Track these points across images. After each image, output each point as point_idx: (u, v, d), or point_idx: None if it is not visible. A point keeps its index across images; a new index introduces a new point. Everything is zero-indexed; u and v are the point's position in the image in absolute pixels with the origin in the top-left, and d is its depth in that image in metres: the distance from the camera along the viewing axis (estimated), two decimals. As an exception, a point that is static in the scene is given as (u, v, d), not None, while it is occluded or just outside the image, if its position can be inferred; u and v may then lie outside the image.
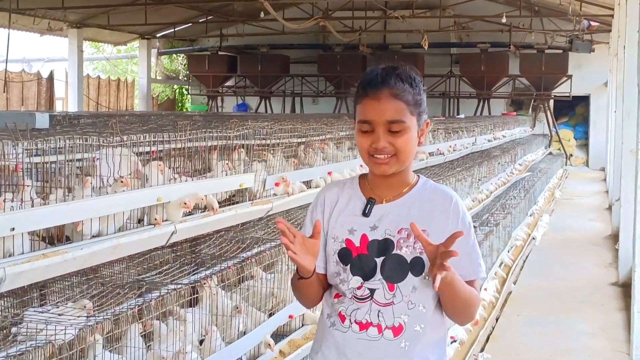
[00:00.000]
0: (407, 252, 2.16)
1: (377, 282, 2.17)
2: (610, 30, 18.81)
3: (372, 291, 2.17)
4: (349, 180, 2.34)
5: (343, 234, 2.21)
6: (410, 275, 2.16)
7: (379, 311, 2.16)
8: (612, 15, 16.63)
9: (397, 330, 2.16)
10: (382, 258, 2.17)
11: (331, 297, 2.25)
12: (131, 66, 29.01)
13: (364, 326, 2.17)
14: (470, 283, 2.18)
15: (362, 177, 2.30)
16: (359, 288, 2.18)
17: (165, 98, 27.21)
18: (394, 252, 2.16)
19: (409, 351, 2.15)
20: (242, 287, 4.32)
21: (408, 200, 2.21)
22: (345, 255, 2.20)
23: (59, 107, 21.57)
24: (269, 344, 3.98)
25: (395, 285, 2.16)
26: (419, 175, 2.29)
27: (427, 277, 2.14)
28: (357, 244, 2.19)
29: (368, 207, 2.20)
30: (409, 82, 2.19)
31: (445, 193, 2.23)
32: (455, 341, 6.08)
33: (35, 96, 19.95)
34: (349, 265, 2.20)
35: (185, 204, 3.51)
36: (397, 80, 2.16)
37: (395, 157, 2.15)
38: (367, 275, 2.17)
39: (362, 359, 2.17)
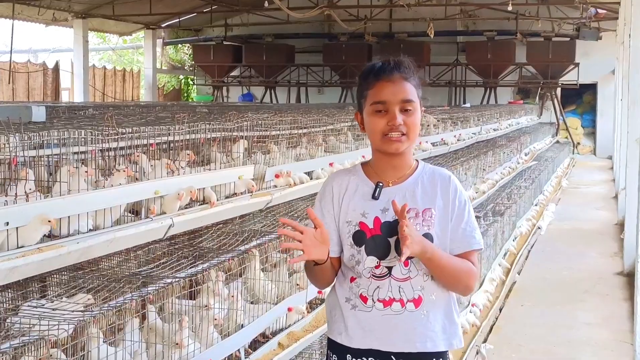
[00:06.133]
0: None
1: (393, 259, 2.36)
2: (617, 18, 18.66)
3: (390, 269, 2.37)
4: (352, 168, 2.53)
5: (356, 217, 2.40)
6: None
7: (399, 287, 2.36)
8: (619, 3, 16.49)
9: (417, 301, 2.37)
10: (394, 237, 2.35)
11: (347, 282, 2.43)
12: (137, 56, 28.98)
13: (387, 303, 2.36)
14: (467, 254, 2.41)
15: (364, 164, 2.50)
16: (376, 267, 2.37)
17: (171, 88, 27.19)
18: None
19: (428, 318, 2.37)
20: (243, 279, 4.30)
21: (412, 182, 2.42)
22: (359, 238, 2.39)
23: (65, 97, 21.60)
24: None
25: (409, 261, 2.36)
26: (417, 160, 2.49)
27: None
28: (371, 225, 2.38)
29: (377, 191, 2.39)
30: (413, 70, 2.43)
31: (443, 174, 2.46)
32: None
33: (41, 87, 19.98)
34: (363, 247, 2.38)
35: (179, 194, 3.50)
36: (405, 67, 2.40)
37: (406, 135, 2.35)
38: (382, 255, 2.36)
39: (389, 332, 2.37)
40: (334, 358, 2.45)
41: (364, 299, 2.38)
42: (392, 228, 2.34)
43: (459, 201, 2.41)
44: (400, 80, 2.36)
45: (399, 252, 2.32)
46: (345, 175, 2.48)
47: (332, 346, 2.47)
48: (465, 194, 2.46)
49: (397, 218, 2.32)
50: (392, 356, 2.37)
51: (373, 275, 2.36)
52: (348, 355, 2.41)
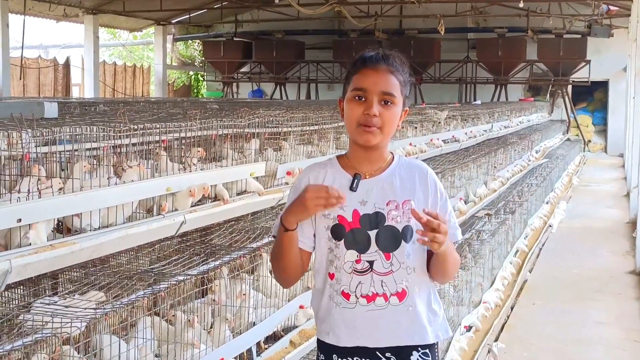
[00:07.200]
0: (397, 222, 2.32)
1: (374, 253, 2.32)
2: (629, 15, 18.54)
3: (371, 263, 2.32)
4: (327, 161, 2.46)
5: (334, 210, 2.31)
6: (403, 243, 2.33)
7: (381, 281, 2.31)
8: (631, 0, 16.38)
9: (401, 295, 2.33)
10: (375, 231, 2.31)
11: (327, 280, 2.37)
12: (147, 52, 29.02)
13: (370, 298, 2.32)
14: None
15: (340, 157, 2.43)
16: (357, 262, 2.32)
17: (181, 84, 27.22)
18: (386, 224, 2.32)
19: (413, 312, 2.34)
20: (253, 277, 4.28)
21: (389, 174, 2.38)
22: (338, 231, 2.33)
23: (75, 93, 21.66)
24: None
25: (391, 254, 2.32)
26: (392, 152, 2.45)
27: (416, 242, 2.31)
28: (350, 219, 2.32)
29: (355, 182, 2.33)
30: (403, 66, 2.39)
31: (421, 167, 2.44)
32: (469, 330, 6.05)
33: (51, 82, 20.05)
34: (342, 240, 2.32)
35: (190, 191, 3.49)
36: (394, 61, 2.37)
37: (380, 129, 2.30)
38: (362, 249, 2.32)
39: (374, 328, 2.32)
40: (322, 358, 2.40)
41: (346, 296, 2.33)
42: (372, 221, 2.31)
43: (440, 193, 2.40)
44: (385, 72, 2.33)
45: (379, 245, 2.31)
46: (321, 168, 2.41)
47: (321, 347, 2.42)
48: (442, 186, 2.44)
49: (376, 210, 2.31)
50: (377, 352, 2.33)
51: (354, 270, 2.32)
52: (334, 356, 2.36)
